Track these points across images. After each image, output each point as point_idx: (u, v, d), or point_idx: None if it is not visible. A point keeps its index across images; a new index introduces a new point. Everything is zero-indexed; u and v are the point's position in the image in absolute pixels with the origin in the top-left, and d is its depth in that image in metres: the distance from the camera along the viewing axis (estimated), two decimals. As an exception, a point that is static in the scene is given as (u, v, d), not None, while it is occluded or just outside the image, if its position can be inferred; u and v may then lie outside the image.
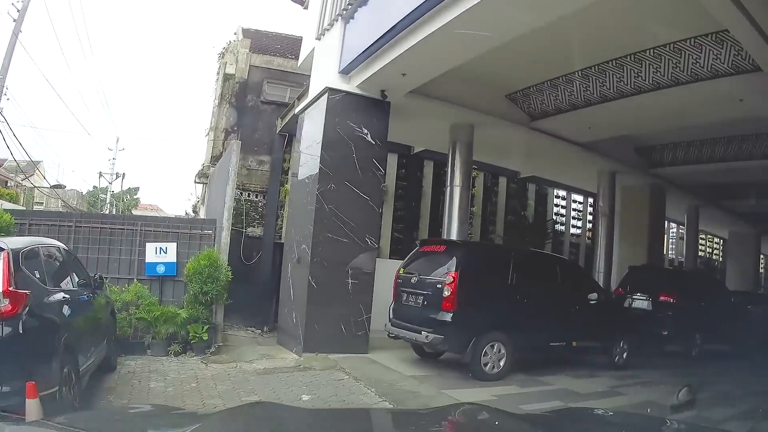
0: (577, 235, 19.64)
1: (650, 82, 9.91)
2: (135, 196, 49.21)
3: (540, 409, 6.08)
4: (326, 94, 9.96)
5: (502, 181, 17.43)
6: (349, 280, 9.66)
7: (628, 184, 16.23)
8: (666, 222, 19.01)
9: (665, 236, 18.89)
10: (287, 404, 4.16)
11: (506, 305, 8.58)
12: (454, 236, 11.47)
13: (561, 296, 9.35)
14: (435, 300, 8.31)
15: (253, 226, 15.97)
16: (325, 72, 10.51)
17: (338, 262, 9.59)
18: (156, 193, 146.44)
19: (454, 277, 8.13)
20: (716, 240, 27.58)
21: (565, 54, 9.86)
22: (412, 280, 8.96)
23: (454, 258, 8.51)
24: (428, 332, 8.17)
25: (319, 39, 11.04)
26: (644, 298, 12.29)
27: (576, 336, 9.29)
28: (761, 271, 28.65)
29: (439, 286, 8.31)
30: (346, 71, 9.94)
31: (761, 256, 27.86)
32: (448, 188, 12.09)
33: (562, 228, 19.23)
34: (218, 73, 18.52)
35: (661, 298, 11.98)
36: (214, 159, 15.95)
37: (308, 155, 10.44)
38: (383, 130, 10.27)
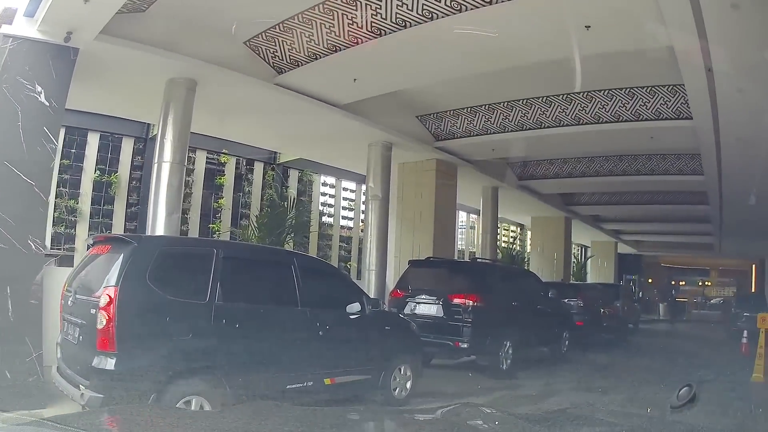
0: (349, 228, 18.70)
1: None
2: None
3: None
4: (-1, 42, 7.91)
5: (259, 168, 16.25)
6: (9, 304, 7.46)
7: (408, 161, 15.14)
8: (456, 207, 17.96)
9: (456, 223, 17.70)
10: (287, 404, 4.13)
11: (206, 334, 5.93)
12: (160, 231, 9.16)
13: (302, 313, 6.88)
14: (89, 334, 5.58)
15: None
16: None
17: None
18: None
19: (110, 297, 5.36)
20: (514, 228, 28.28)
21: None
22: (70, 302, 6.25)
23: (117, 265, 5.68)
24: (85, 388, 5.38)
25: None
26: (432, 300, 10.63)
27: (329, 369, 6.97)
28: (574, 259, 29.63)
29: (93, 311, 5.52)
30: (30, 12, 7.99)
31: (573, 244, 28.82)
32: (156, 166, 9.78)
33: (331, 220, 18.31)
34: None
35: (455, 300, 10.34)
36: None
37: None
38: (63, 87, 8.38)
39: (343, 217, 18.56)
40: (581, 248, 35.16)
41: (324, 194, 18.45)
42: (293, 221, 13.87)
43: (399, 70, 10.59)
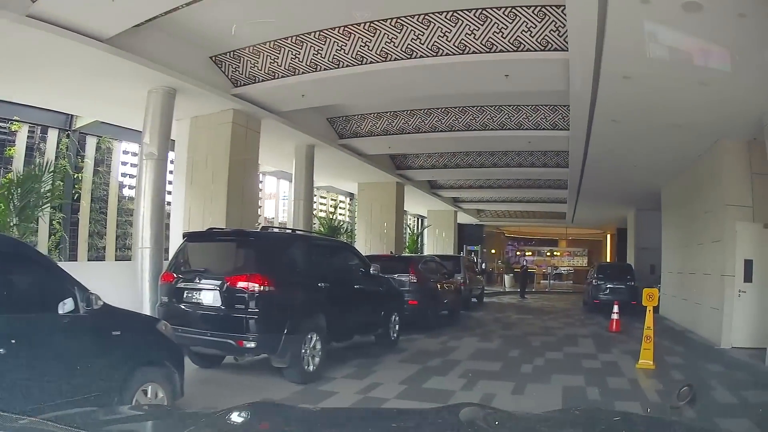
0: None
1: None
2: None
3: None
4: None
5: (53, 135, 14.33)
6: None
7: (203, 114, 13.16)
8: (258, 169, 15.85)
9: (257, 188, 15.45)
10: (287, 404, 4.16)
11: None
12: None
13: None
14: None
15: None
16: None
17: None
18: None
19: None
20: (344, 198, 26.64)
21: None
22: None
23: None
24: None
25: None
26: (209, 285, 8.53)
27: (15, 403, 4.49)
28: (410, 230, 29.26)
29: None
30: None
31: (408, 214, 27.78)
32: None
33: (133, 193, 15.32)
34: None
35: (237, 283, 8.26)
36: None
37: None
38: None
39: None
40: (418, 219, 34.47)
41: (126, 163, 16.21)
42: (51, 192, 11.12)
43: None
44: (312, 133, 15.64)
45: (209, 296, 8.49)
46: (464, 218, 36.07)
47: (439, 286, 16.45)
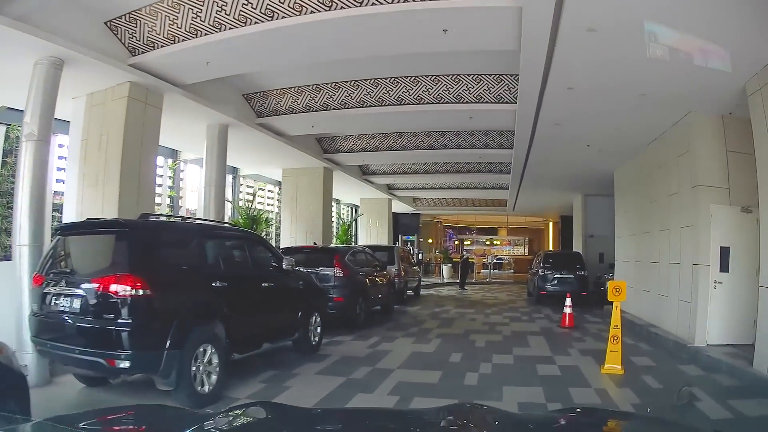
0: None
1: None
2: None
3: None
4: None
5: None
6: None
7: (99, 89, 11.19)
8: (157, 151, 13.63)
9: (154, 175, 13.19)
10: (288, 404, 3.74)
11: None
12: None
13: None
14: None
15: None
16: None
17: None
18: None
19: None
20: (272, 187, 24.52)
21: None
22: None
23: None
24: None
25: None
26: (77, 289, 6.87)
27: None
28: (339, 219, 28.28)
29: None
30: None
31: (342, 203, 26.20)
32: None
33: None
34: None
35: (106, 286, 6.52)
36: None
37: None
38: None
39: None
40: (353, 208, 32.85)
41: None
42: None
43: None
44: (224, 110, 13.81)
45: (76, 303, 6.86)
46: (400, 207, 34.61)
47: (369, 279, 14.88)
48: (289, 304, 9.85)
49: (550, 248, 38.50)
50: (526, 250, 48.80)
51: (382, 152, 20.35)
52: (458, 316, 17.40)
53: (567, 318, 14.49)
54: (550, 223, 42.81)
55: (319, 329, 10.71)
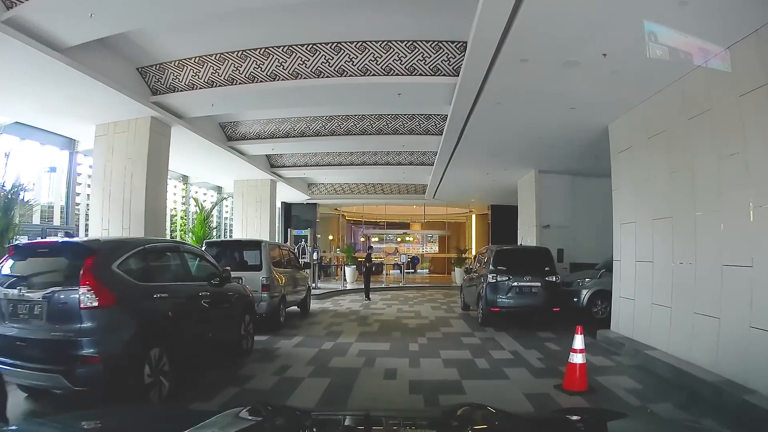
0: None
1: None
2: None
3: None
4: None
5: None
6: None
7: None
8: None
9: None
10: (288, 404, 4.39)
11: None
12: None
13: None
14: None
15: None
16: None
17: None
18: None
19: None
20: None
21: None
22: None
23: None
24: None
25: None
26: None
27: None
28: (197, 206, 23.05)
29: None
30: None
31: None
32: None
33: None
34: None
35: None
36: None
37: None
38: None
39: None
40: (218, 189, 27.10)
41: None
42: None
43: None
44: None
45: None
46: (292, 195, 30.23)
47: (171, 308, 7.72)
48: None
49: (471, 245, 32.73)
50: (446, 247, 43.14)
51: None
52: (364, 365, 10.31)
53: (577, 373, 7.86)
54: (473, 216, 37.45)
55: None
